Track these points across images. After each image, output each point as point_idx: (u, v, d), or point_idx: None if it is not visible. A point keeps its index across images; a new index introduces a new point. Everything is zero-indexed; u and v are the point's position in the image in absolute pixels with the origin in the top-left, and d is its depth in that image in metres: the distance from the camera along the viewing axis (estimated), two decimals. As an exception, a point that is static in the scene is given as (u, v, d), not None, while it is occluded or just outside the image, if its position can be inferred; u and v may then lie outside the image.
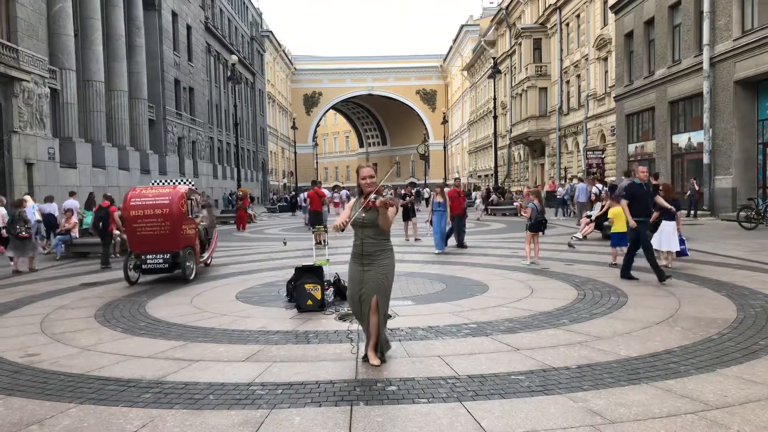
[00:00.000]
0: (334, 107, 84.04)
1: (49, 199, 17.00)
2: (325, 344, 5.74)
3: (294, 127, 63.29)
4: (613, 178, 25.96)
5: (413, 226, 16.76)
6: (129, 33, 30.77)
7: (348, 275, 5.11)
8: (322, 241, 11.42)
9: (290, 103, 78.03)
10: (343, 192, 35.42)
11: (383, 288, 4.91)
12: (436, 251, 13.25)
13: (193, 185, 11.71)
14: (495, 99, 35.89)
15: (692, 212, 20.36)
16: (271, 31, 67.49)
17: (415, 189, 40.60)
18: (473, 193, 39.16)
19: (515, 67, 44.37)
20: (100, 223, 12.51)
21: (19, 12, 21.23)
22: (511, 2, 46.46)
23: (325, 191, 21.40)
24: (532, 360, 5.00)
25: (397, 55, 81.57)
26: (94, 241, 14.10)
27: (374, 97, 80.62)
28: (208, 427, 3.82)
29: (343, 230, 4.79)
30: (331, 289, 7.73)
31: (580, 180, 25.35)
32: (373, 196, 4.78)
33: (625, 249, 10.27)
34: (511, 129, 45.48)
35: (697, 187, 20.82)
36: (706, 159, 20.93)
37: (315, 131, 78.93)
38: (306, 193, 21.63)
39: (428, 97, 79.32)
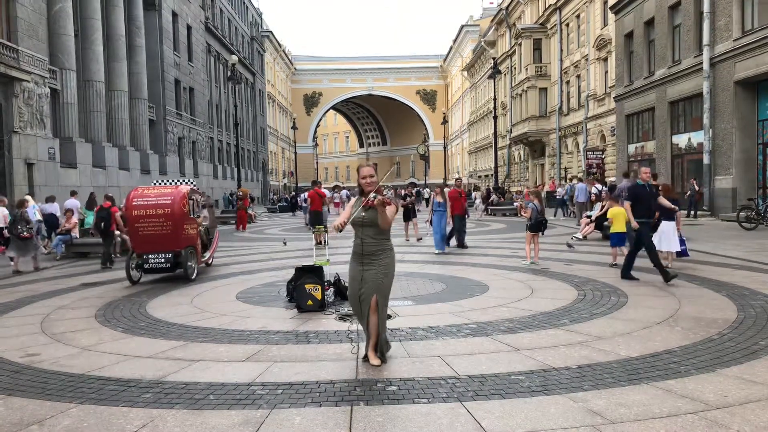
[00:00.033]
0: (334, 107, 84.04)
1: (50, 199, 17.03)
2: (326, 344, 5.74)
3: (294, 127, 63.32)
4: (613, 179, 25.93)
5: (414, 226, 16.77)
6: (129, 33, 30.78)
7: (348, 275, 5.12)
8: (323, 241, 11.38)
9: (290, 103, 78.01)
10: (344, 192, 35.45)
11: (383, 287, 4.92)
12: (436, 251, 13.26)
13: (194, 185, 11.74)
14: (495, 99, 35.94)
15: (692, 212, 20.35)
16: (271, 31, 67.47)
17: (415, 189, 40.54)
18: (473, 194, 39.15)
19: (515, 68, 44.37)
20: (102, 224, 12.57)
21: (20, 12, 21.24)
22: (511, 2, 46.46)
23: (326, 191, 21.41)
24: (532, 360, 5.00)
25: (397, 56, 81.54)
26: (94, 241, 14.14)
27: (374, 97, 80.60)
28: (208, 427, 3.82)
29: (341, 230, 4.79)
30: (332, 289, 7.73)
31: (580, 180, 25.35)
32: (372, 195, 4.79)
33: (624, 249, 10.30)
34: (511, 129, 45.48)
35: (697, 188, 20.81)
36: (706, 159, 20.93)
37: (315, 131, 78.93)
38: (306, 193, 21.63)
39: (428, 98, 79.31)
